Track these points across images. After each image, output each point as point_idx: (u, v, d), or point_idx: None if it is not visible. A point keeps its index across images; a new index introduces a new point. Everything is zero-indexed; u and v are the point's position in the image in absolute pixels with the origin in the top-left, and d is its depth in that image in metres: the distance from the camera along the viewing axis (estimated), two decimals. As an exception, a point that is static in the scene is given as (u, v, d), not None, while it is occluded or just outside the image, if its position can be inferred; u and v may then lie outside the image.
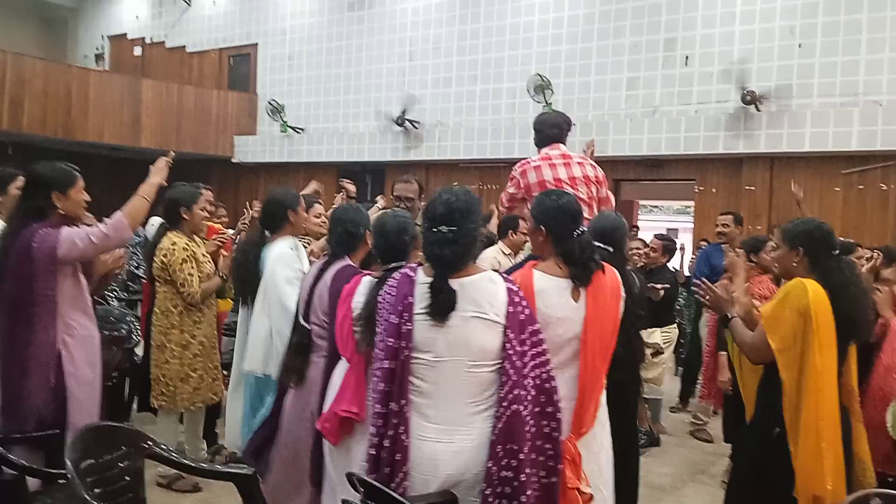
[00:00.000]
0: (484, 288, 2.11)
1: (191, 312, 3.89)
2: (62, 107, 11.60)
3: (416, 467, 2.05)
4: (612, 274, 2.48)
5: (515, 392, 2.05)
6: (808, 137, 8.14)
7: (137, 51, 14.84)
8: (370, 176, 11.79)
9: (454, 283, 2.08)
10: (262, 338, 3.32)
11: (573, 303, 2.37)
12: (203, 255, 3.98)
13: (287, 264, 3.35)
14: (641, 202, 16.22)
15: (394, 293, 2.13)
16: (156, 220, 4.81)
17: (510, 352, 2.07)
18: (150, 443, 2.31)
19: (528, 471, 2.04)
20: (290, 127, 12.45)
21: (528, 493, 2.03)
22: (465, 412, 2.08)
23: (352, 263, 2.90)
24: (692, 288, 3.22)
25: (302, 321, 2.91)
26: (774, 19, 8.51)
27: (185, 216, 3.90)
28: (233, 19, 13.57)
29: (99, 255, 3.05)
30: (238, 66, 13.68)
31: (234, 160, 13.04)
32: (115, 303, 4.97)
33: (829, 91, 8.14)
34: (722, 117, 8.66)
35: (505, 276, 2.21)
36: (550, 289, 2.36)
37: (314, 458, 2.64)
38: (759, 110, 8.36)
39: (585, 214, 3.05)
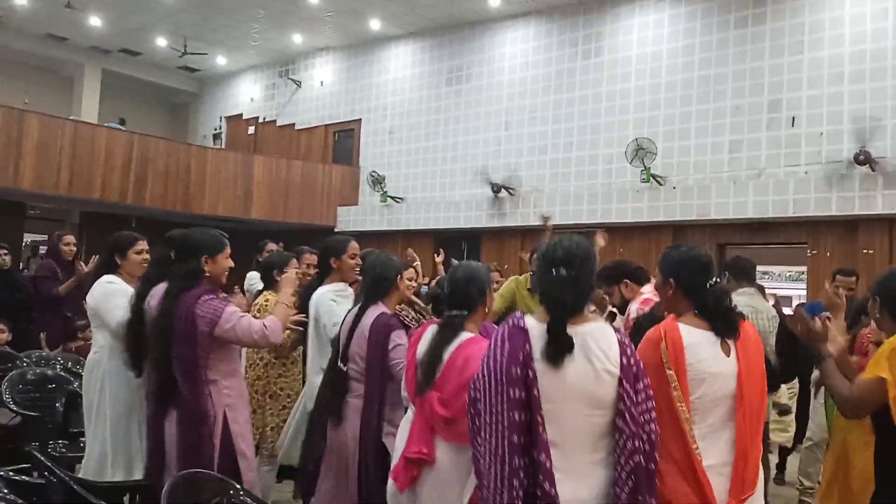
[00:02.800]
0: (598, 337, 2.09)
1: (275, 365, 4.01)
2: (182, 183, 12.46)
3: None
4: (752, 327, 2.36)
5: (635, 444, 2.02)
6: (932, 197, 7.63)
7: (251, 130, 15.86)
8: (466, 242, 11.91)
9: (570, 330, 2.07)
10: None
11: (724, 357, 2.25)
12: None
13: (327, 306, 3.49)
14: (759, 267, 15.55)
15: (507, 344, 2.11)
16: (253, 275, 5.05)
17: (627, 402, 2.04)
18: (242, 493, 2.33)
19: None
20: (390, 197, 12.83)
21: None
22: (584, 460, 2.06)
23: (386, 310, 3.04)
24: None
25: (340, 363, 3.03)
26: (886, 78, 8.15)
27: (277, 278, 4.08)
28: (338, 98, 14.30)
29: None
30: (342, 141, 14.34)
31: (336, 229, 13.52)
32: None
33: (953, 148, 7.64)
34: (834, 178, 8.26)
35: (614, 326, 2.20)
36: (700, 343, 2.25)
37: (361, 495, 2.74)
38: (874, 170, 7.93)
39: None
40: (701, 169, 9.47)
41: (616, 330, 2.14)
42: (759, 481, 2.25)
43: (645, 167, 9.50)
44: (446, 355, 2.44)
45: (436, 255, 6.57)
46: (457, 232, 11.89)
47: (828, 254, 8.61)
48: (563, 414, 2.05)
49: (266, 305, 4.00)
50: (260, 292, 4.20)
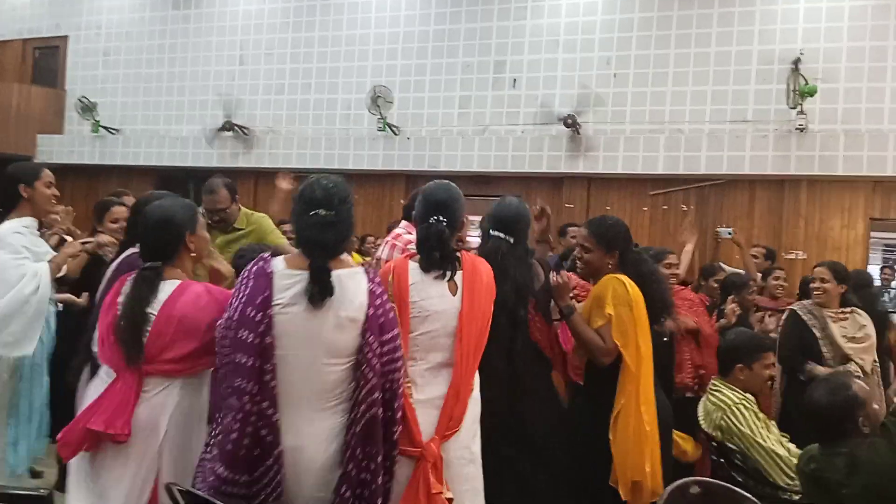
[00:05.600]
0: (346, 284, 2.04)
1: None
2: None
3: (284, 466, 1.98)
4: (486, 267, 2.43)
5: (374, 395, 2.02)
6: (621, 161, 8.77)
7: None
8: (193, 181, 11.16)
9: None
10: None
11: (450, 296, 2.31)
12: None
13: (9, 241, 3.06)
14: (471, 217, 16.69)
15: (250, 285, 2.01)
16: None
17: (369, 354, 2.02)
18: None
19: (382, 474, 2.04)
20: (103, 127, 11.51)
21: (382, 496, 2.06)
22: (313, 408, 2.02)
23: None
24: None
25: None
26: (593, 49, 9.12)
27: None
28: (41, 9, 12.36)
29: None
30: (44, 60, 12.47)
31: (36, 160, 11.82)
32: None
33: (639, 118, 8.84)
34: (546, 138, 9.13)
35: (371, 273, 2.13)
36: (426, 281, 2.29)
37: None
38: (578, 133, 8.91)
39: None
40: (433, 121, 9.86)
41: (371, 278, 2.11)
42: (469, 419, 2.35)
43: (381, 116, 9.65)
44: (154, 312, 2.20)
45: None
46: (183, 171, 11.08)
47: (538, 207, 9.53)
48: (300, 361, 2.01)
49: None
50: None
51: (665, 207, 8.86)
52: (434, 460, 2.20)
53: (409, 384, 2.24)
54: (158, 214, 2.31)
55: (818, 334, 4.09)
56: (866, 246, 8.14)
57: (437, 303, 2.28)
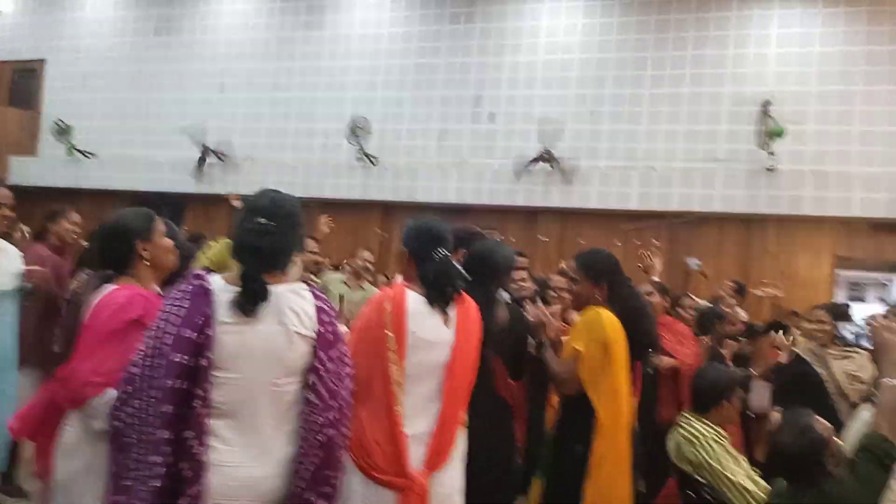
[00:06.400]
0: (291, 299, 1.96)
1: None
2: None
3: (218, 496, 1.84)
4: (474, 304, 2.42)
5: (330, 416, 1.93)
6: (595, 196, 8.90)
7: None
8: (168, 208, 11.07)
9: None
10: None
11: (444, 327, 2.29)
12: None
13: None
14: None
15: (186, 304, 1.88)
16: None
17: (322, 372, 1.94)
18: None
19: (339, 499, 1.99)
20: (79, 150, 11.43)
21: None
22: (266, 432, 1.92)
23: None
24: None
25: None
26: (570, 87, 9.30)
27: None
28: (20, 31, 12.34)
29: None
30: (22, 82, 12.40)
31: (8, 183, 11.67)
32: None
33: (613, 155, 8.99)
34: (521, 172, 9.23)
35: (315, 290, 2.05)
36: (422, 311, 2.27)
37: None
38: (553, 168, 9.03)
39: None
40: (411, 153, 9.94)
41: (317, 295, 2.02)
42: (456, 458, 2.32)
43: (360, 146, 9.71)
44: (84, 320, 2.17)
45: None
46: (158, 196, 11.00)
47: (513, 239, 9.58)
48: (246, 382, 1.89)
49: None
50: None
51: (638, 243, 8.96)
52: (422, 493, 2.16)
53: (399, 413, 2.20)
54: (108, 224, 2.32)
55: (823, 373, 4.09)
56: (832, 283, 8.30)
57: (431, 333, 2.27)
